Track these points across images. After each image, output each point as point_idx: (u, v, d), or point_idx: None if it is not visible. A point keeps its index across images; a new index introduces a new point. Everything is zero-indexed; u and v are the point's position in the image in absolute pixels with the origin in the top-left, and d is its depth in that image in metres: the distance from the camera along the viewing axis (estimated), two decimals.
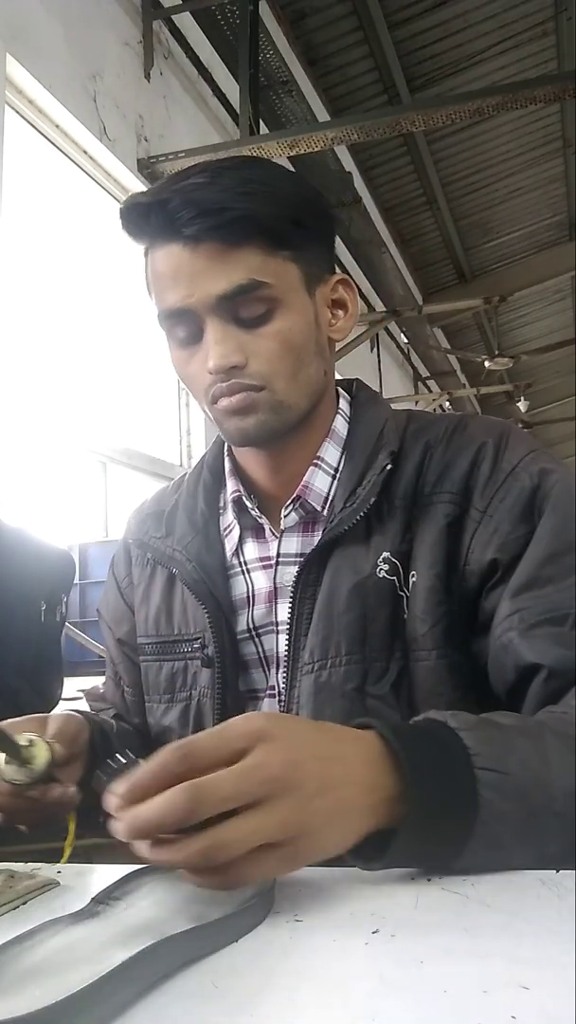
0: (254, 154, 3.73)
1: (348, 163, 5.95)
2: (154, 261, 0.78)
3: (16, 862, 0.65)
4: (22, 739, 0.69)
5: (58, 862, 0.67)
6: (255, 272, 0.75)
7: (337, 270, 0.87)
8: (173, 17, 3.98)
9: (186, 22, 4.09)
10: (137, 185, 3.64)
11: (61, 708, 1.11)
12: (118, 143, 3.56)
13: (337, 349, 0.90)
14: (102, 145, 3.45)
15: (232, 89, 4.23)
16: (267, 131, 4.33)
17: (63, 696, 1.79)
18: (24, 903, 0.57)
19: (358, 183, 6.10)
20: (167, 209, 0.74)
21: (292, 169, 4.64)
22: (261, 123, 4.30)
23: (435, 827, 0.54)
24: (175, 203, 0.74)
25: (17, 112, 3.12)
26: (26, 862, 0.66)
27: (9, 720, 0.75)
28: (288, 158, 4.34)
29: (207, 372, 0.77)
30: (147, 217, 0.76)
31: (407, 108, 4.17)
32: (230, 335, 0.76)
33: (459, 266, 8.27)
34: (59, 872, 0.63)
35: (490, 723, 0.60)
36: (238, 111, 3.97)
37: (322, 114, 5.33)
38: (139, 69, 3.79)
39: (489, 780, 0.55)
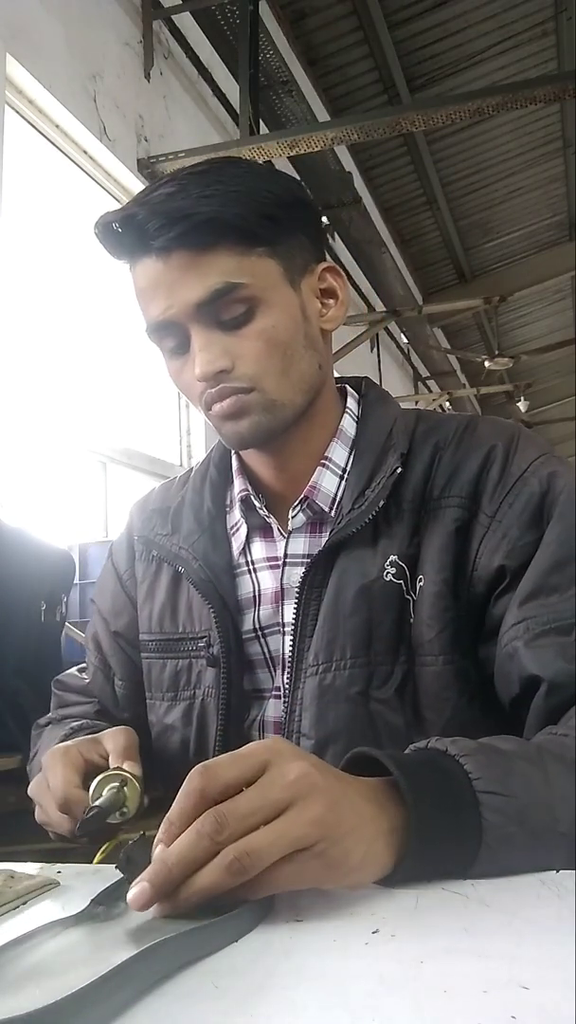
0: (254, 154, 3.74)
1: (348, 163, 5.95)
2: (135, 277, 0.78)
3: (16, 862, 0.65)
4: (112, 784, 0.68)
5: (58, 862, 0.67)
6: (229, 274, 0.74)
7: (328, 258, 0.85)
8: (173, 17, 3.98)
9: (186, 22, 4.09)
10: (137, 185, 3.64)
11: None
12: (118, 143, 3.56)
13: (336, 349, 0.89)
14: (102, 145, 3.45)
15: (232, 89, 4.23)
16: (267, 131, 4.33)
17: None
18: (24, 903, 0.57)
19: (358, 183, 6.10)
20: (136, 223, 0.74)
21: (291, 168, 4.65)
22: (261, 123, 4.29)
23: (440, 853, 0.54)
24: (142, 216, 0.74)
25: (17, 112, 3.12)
26: (26, 862, 0.66)
27: (65, 744, 0.75)
28: (288, 158, 4.34)
29: (198, 381, 0.77)
30: (119, 234, 0.76)
31: (407, 108, 4.17)
32: (214, 340, 0.76)
33: (459, 266, 8.27)
34: (59, 872, 0.63)
35: (490, 748, 0.60)
36: (238, 111, 3.97)
37: (322, 114, 5.33)
38: (139, 69, 3.79)
39: (492, 803, 0.55)
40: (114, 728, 0.79)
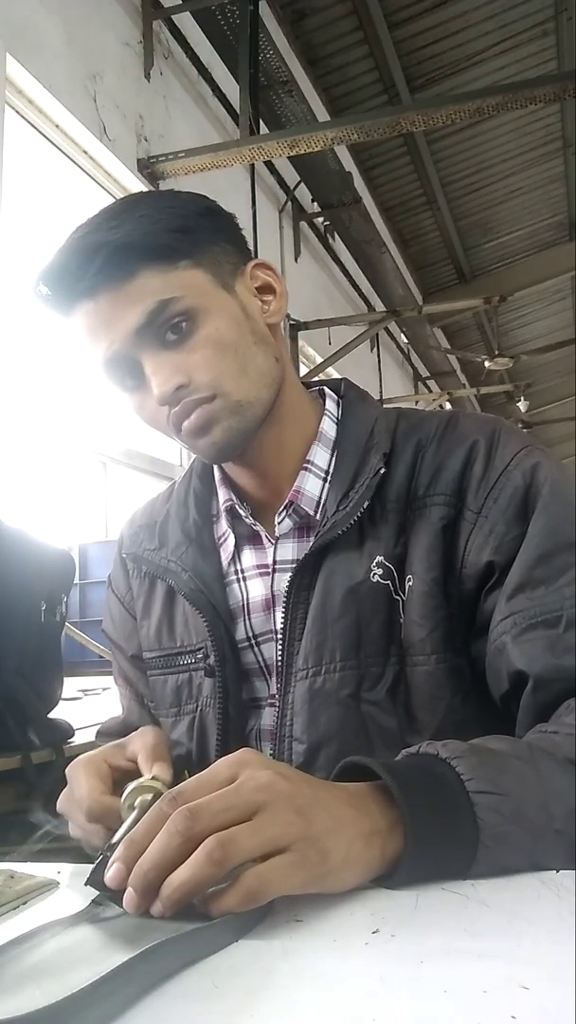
0: (254, 154, 3.74)
1: (348, 163, 5.95)
2: (74, 327, 0.78)
3: (16, 862, 0.65)
4: (143, 795, 0.64)
5: (58, 862, 0.67)
6: (159, 293, 0.74)
7: (254, 256, 0.85)
8: (173, 17, 3.98)
9: (186, 22, 4.09)
10: (137, 185, 3.64)
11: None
12: (118, 143, 3.56)
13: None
14: (102, 145, 3.46)
15: (232, 89, 4.23)
16: (267, 131, 4.33)
17: (63, 696, 1.79)
18: (24, 903, 0.57)
19: (358, 183, 6.11)
20: (57, 273, 0.75)
21: (291, 167, 4.61)
22: (261, 123, 4.30)
23: (437, 854, 0.54)
24: (59, 263, 0.75)
25: (17, 112, 3.12)
26: (26, 862, 0.66)
27: (88, 753, 0.73)
28: (288, 158, 4.35)
29: (159, 405, 0.77)
30: (49, 291, 0.77)
31: (407, 108, 4.17)
32: (163, 361, 0.76)
33: (459, 266, 8.28)
34: (59, 872, 0.63)
35: (482, 749, 0.60)
36: (238, 111, 3.97)
37: (322, 114, 5.33)
38: (139, 69, 3.79)
39: (486, 803, 0.55)
40: (140, 729, 0.77)
